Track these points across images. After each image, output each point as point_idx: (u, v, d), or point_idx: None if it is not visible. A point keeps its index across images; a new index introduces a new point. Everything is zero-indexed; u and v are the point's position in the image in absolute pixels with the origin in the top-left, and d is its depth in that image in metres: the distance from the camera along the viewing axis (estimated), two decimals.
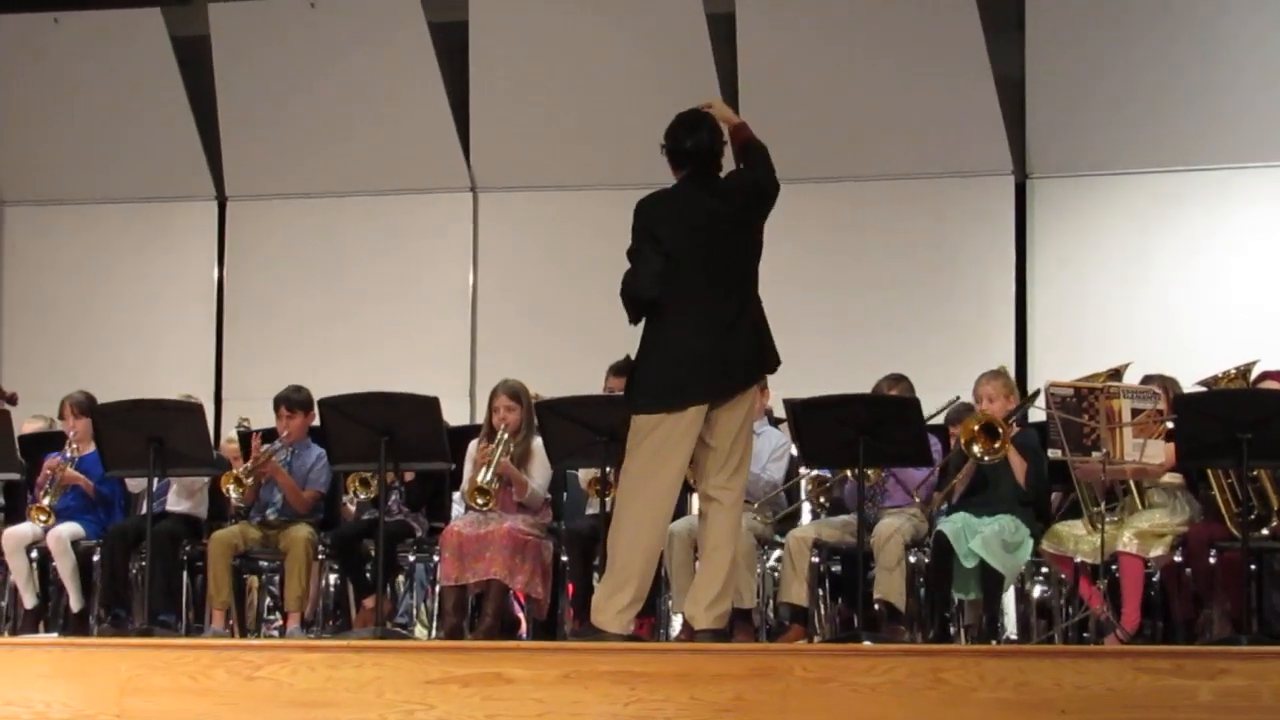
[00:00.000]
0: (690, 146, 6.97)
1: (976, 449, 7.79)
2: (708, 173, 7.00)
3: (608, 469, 8.02)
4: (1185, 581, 7.80)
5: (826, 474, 8.43)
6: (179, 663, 6.38)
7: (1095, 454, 7.58)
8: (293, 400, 8.94)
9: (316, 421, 8.86)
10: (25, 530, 9.06)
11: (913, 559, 8.09)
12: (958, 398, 8.47)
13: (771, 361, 7.09)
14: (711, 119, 7.03)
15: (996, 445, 7.78)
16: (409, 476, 8.84)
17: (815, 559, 8.19)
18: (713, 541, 6.94)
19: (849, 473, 8.14)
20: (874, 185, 12.08)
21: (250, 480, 8.74)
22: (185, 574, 8.89)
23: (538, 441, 8.40)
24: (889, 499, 8.39)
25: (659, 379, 6.85)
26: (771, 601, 8.54)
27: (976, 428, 7.81)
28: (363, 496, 8.78)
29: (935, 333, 11.76)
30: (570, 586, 8.45)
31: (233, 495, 8.74)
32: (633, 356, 7.09)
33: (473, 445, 8.62)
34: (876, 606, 8.02)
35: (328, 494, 8.95)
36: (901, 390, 8.39)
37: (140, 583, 8.76)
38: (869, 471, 8.08)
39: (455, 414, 10.84)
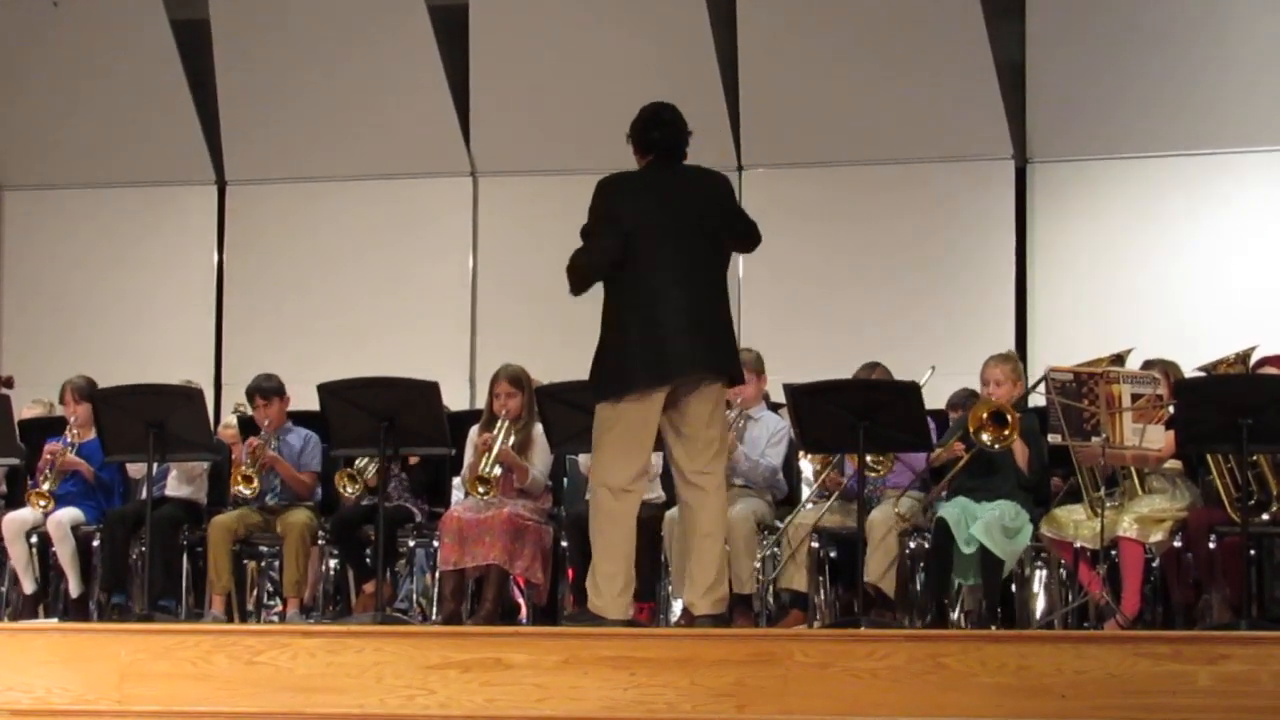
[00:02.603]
0: (657, 137, 7.00)
1: (985, 437, 7.71)
2: (673, 158, 7.02)
3: None
4: (1185, 567, 7.79)
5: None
6: (179, 648, 6.39)
7: (1095, 439, 7.57)
8: (264, 389, 8.99)
9: (293, 405, 9.01)
10: (25, 515, 9.05)
11: (912, 544, 8.08)
12: (934, 368, 8.45)
13: (738, 370, 7.09)
14: (678, 113, 7.04)
15: (1006, 433, 7.72)
16: (412, 461, 8.84)
17: (815, 544, 8.18)
18: (704, 528, 6.92)
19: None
20: (874, 170, 12.07)
21: (256, 475, 8.77)
22: (185, 559, 8.90)
23: (538, 428, 8.39)
24: (891, 480, 8.37)
25: (618, 365, 6.81)
26: (771, 587, 8.54)
27: (985, 415, 7.74)
28: (350, 491, 8.76)
29: (935, 318, 11.76)
30: (570, 571, 8.43)
31: (245, 493, 8.77)
32: None
33: (473, 431, 8.61)
34: (870, 591, 8.02)
35: (323, 473, 8.97)
36: (879, 376, 8.38)
37: (140, 568, 8.76)
38: (872, 458, 8.07)
39: (455, 399, 10.85)
